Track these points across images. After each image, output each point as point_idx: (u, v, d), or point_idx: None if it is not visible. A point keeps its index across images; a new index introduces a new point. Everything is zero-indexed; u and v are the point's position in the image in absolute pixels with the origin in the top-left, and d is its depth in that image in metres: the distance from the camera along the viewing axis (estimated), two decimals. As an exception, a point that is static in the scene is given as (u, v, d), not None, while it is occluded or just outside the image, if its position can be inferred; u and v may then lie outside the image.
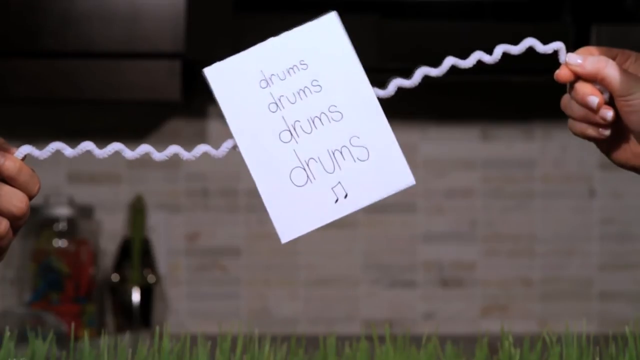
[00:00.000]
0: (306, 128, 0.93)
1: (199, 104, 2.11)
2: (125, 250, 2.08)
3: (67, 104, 2.11)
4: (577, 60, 0.95)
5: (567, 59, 0.95)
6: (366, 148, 0.94)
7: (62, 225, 2.03)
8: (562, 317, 2.16)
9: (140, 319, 2.05)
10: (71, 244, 2.02)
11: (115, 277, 2.07)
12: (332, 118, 0.93)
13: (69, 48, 1.83)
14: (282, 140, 0.93)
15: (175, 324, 2.13)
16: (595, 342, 1.13)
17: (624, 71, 0.94)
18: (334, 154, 0.93)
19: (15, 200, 0.90)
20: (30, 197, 0.91)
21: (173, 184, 2.14)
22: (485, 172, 2.17)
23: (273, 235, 0.94)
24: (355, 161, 0.93)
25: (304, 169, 0.93)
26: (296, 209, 0.93)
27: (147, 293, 2.06)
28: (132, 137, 2.09)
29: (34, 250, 2.02)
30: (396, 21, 1.83)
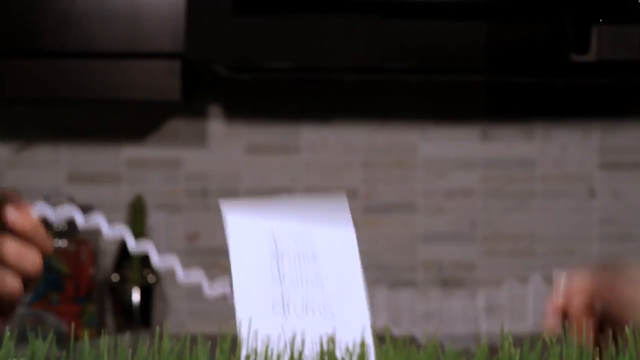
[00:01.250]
0: (298, 312, 0.97)
1: (199, 104, 2.11)
2: (125, 250, 2.08)
3: (67, 104, 2.11)
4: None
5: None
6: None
7: (62, 225, 2.03)
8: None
9: (140, 319, 2.05)
10: (71, 244, 2.02)
11: (115, 277, 2.07)
12: (324, 314, 0.97)
13: (69, 48, 1.83)
14: (274, 312, 0.96)
15: (175, 324, 2.12)
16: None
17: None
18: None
19: (31, 259, 0.89)
20: (44, 257, 0.90)
21: (173, 184, 2.13)
22: (485, 172, 2.17)
23: (273, 235, 0.94)
24: None
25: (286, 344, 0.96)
26: None
27: (147, 293, 2.06)
28: (132, 137, 2.09)
29: (34, 250, 2.02)
30: (396, 21, 1.83)
